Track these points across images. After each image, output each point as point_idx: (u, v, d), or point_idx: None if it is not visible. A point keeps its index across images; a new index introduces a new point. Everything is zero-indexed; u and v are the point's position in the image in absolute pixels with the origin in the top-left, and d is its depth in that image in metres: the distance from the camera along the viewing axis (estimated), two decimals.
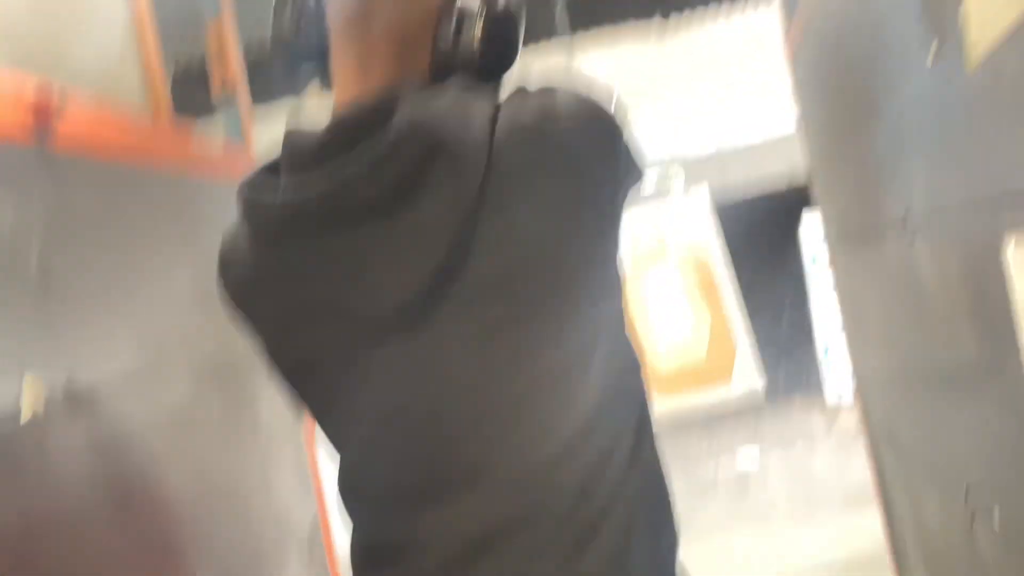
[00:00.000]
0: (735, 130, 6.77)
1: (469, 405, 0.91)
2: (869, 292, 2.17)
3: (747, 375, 5.19)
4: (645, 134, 6.54)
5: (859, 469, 5.10)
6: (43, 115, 1.54)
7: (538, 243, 0.88)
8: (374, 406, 0.95)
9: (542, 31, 4.08)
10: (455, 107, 0.89)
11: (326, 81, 1.09)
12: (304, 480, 2.23)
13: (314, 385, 1.00)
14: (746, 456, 6.80)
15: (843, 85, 1.97)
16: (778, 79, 5.27)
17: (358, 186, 0.87)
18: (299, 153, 0.93)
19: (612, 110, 0.96)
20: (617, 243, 0.99)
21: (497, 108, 0.92)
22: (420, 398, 0.93)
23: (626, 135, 0.99)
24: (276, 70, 1.12)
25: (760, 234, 7.92)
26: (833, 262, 2.65)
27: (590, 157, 0.91)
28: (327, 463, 1.12)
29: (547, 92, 0.94)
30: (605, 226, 0.95)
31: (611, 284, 0.98)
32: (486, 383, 0.91)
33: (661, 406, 5.31)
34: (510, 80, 1.02)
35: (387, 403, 0.94)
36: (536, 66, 1.02)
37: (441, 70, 0.98)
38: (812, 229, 5.98)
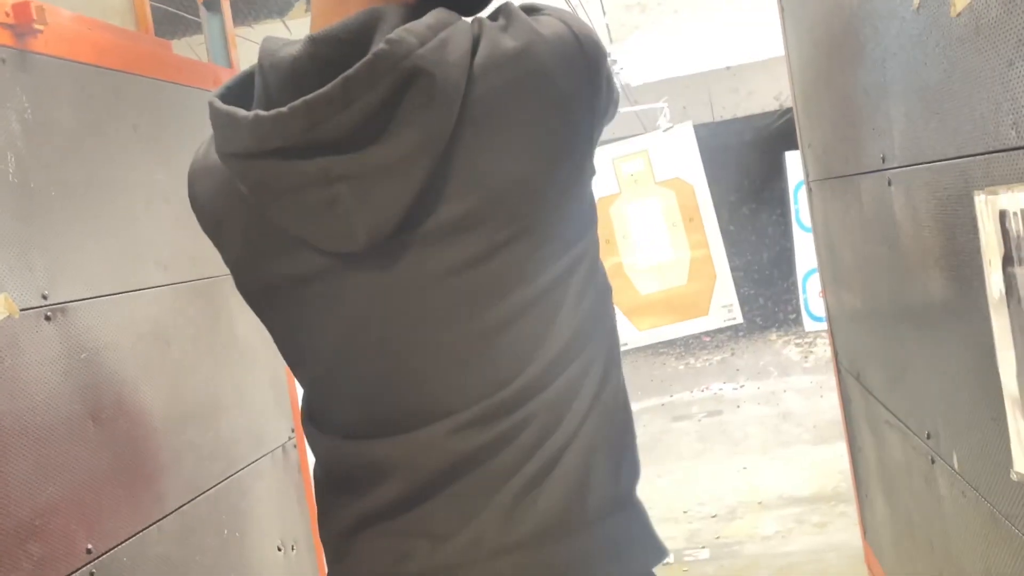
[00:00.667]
0: (723, 50, 6.71)
1: (438, 339, 0.91)
2: (845, 231, 2.19)
3: (726, 306, 5.22)
4: (631, 57, 6.52)
5: (830, 404, 5.21)
6: (24, 16, 1.52)
7: (515, 175, 0.87)
8: (339, 338, 0.94)
9: None
10: (434, 31, 0.87)
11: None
12: (280, 393, 2.25)
13: (278, 313, 0.99)
14: (720, 385, 6.90)
15: (829, 22, 1.97)
16: None
17: (331, 113, 0.85)
18: (274, 72, 0.91)
19: (595, 37, 0.96)
20: (592, 174, 1.00)
21: (479, 33, 0.91)
22: (388, 331, 0.92)
23: (607, 64, 0.99)
24: None
25: (746, 160, 7.92)
26: (812, 199, 2.66)
27: (572, 85, 0.90)
28: None
29: (529, 16, 0.93)
30: (582, 158, 0.95)
31: (587, 215, 0.98)
32: (457, 317, 0.90)
33: (638, 331, 5.37)
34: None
35: (353, 336, 0.93)
36: None
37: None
38: (798, 160, 5.98)
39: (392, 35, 0.84)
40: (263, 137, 0.87)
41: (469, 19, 0.94)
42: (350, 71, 0.84)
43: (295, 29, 4.05)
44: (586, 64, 0.93)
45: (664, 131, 5.17)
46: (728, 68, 7.44)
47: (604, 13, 5.56)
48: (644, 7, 5.69)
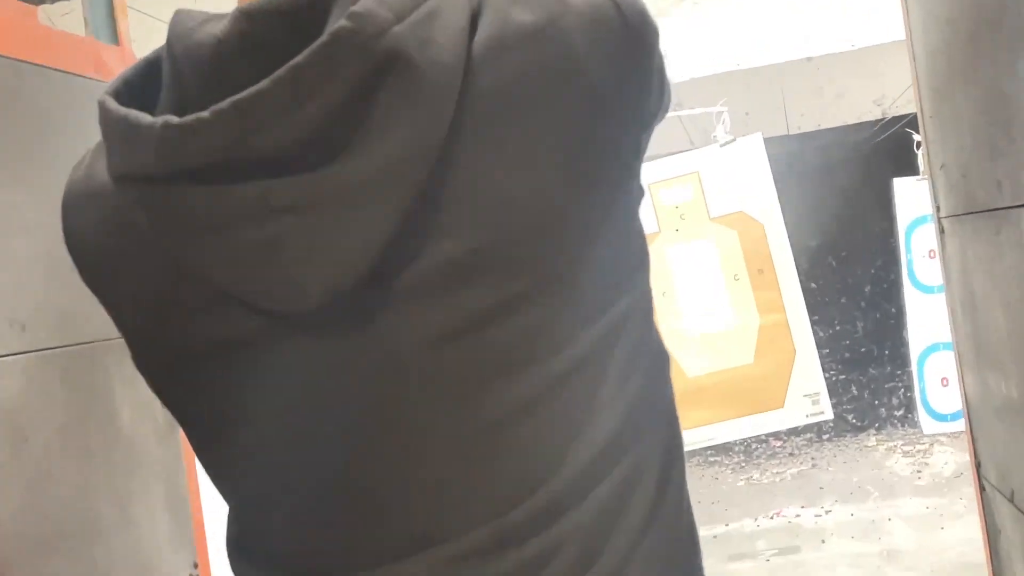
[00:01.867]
0: (802, 33, 6.80)
1: (423, 434, 0.90)
2: (996, 287, 2.19)
3: (809, 395, 5.22)
4: (675, 41, 6.58)
5: (957, 538, 5.16)
6: None
7: (532, 202, 0.87)
8: (283, 433, 0.93)
9: None
10: (416, 2, 0.86)
11: None
12: (180, 509, 2.23)
13: (192, 397, 0.97)
14: (797, 510, 6.87)
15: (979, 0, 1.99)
16: None
17: (272, 118, 0.83)
18: (189, 61, 0.90)
19: (644, 8, 0.96)
20: (639, 198, 0.99)
21: (478, 5, 0.91)
22: (352, 423, 0.91)
23: (660, 49, 0.99)
24: None
25: (836, 189, 7.98)
26: (945, 242, 2.67)
27: (613, 76, 0.90)
28: (216, 496, 1.09)
29: None
30: (626, 177, 0.94)
31: (633, 257, 0.97)
32: (450, 403, 0.89)
33: (683, 429, 5.29)
34: None
35: (302, 430, 0.92)
36: None
37: None
38: (912, 191, 6.01)
39: (357, 7, 0.83)
40: (175, 152, 0.85)
41: None
42: (299, 58, 0.82)
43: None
44: (632, 46, 0.93)
45: (722, 146, 5.21)
46: (809, 60, 7.53)
47: None
48: None
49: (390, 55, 0.83)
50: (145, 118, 0.86)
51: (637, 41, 0.92)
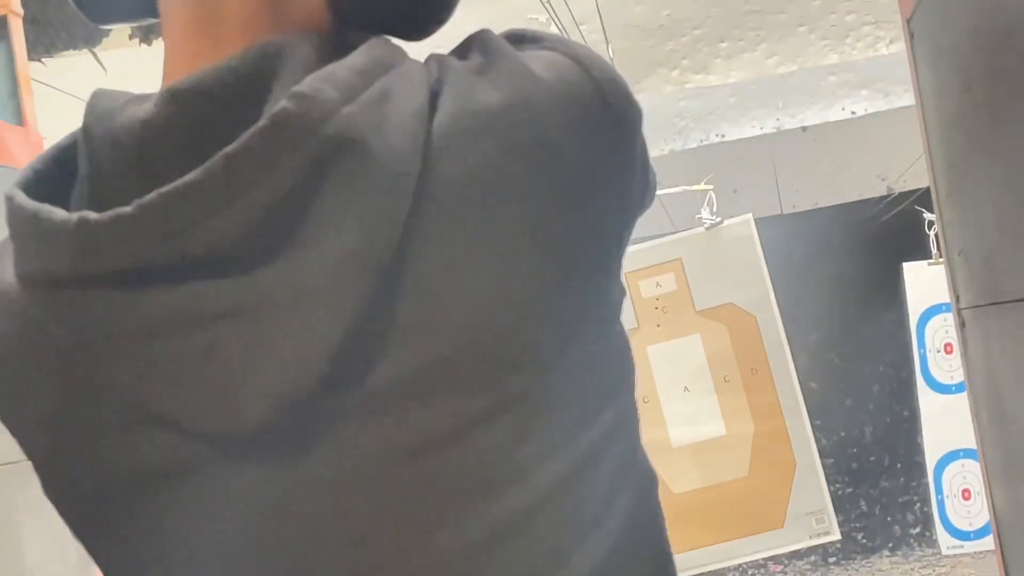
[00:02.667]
0: (795, 99, 6.89)
1: (383, 570, 0.90)
2: None
3: (812, 513, 5.21)
4: (650, 109, 6.64)
5: None
6: None
7: (505, 302, 0.87)
8: (222, 574, 0.92)
9: None
10: (368, 78, 0.87)
11: (145, 22, 1.09)
12: None
13: (115, 532, 0.96)
14: None
15: (995, 53, 2.01)
16: (867, 17, 5.41)
17: (206, 213, 0.83)
18: (110, 148, 0.90)
19: (623, 82, 0.97)
20: (620, 298, 1.00)
21: (440, 78, 0.91)
22: (302, 558, 0.90)
23: (642, 126, 0.99)
24: (68, 7, 1.11)
25: (838, 275, 8.04)
26: (966, 336, 2.68)
27: (591, 160, 0.91)
28: None
29: (518, 55, 0.94)
30: (605, 274, 0.95)
31: (616, 364, 0.98)
32: (413, 533, 0.89)
33: (676, 553, 5.25)
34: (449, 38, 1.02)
35: (246, 568, 0.92)
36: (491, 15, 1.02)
37: (344, 14, 0.97)
38: (924, 277, 6.06)
39: (302, 86, 0.84)
40: (93, 253, 0.84)
41: (420, 58, 0.95)
42: (235, 145, 0.82)
43: (116, 66, 4.10)
44: (612, 128, 0.94)
45: (707, 229, 5.24)
46: (804, 129, 7.62)
47: (608, 42, 5.72)
48: (668, 32, 5.86)
49: (339, 140, 0.83)
50: (58, 214, 0.86)
51: (618, 122, 0.93)
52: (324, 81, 0.84)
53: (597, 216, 0.91)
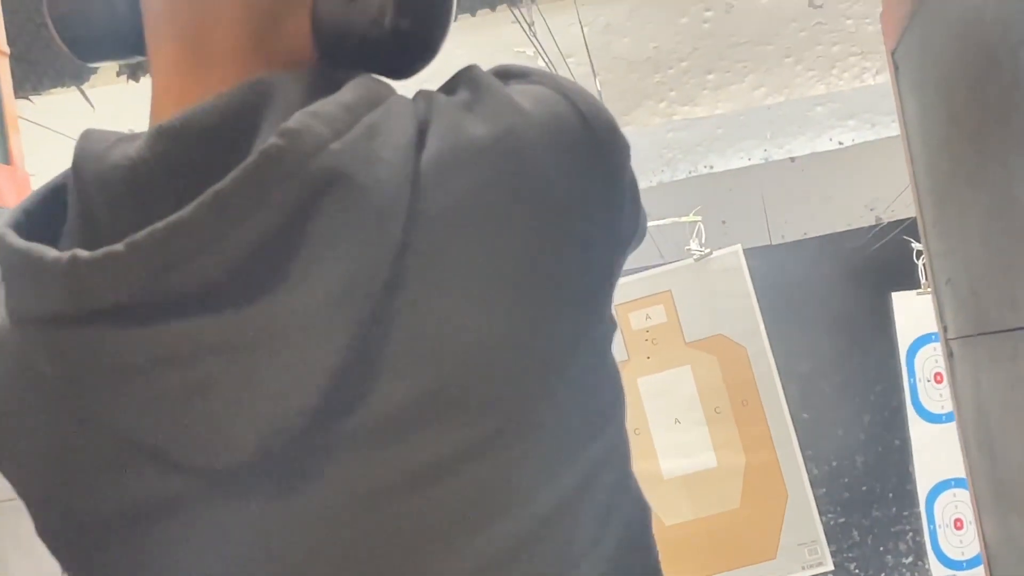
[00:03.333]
0: (784, 134, 6.89)
1: None
2: (1015, 418, 2.19)
3: (804, 544, 5.20)
4: (637, 141, 6.64)
5: None
6: None
7: (494, 335, 0.88)
8: None
9: None
10: (356, 113, 0.88)
11: (132, 60, 1.09)
12: None
13: (108, 569, 0.96)
14: None
15: (979, 84, 2.01)
16: (853, 48, 5.41)
17: (196, 250, 0.83)
18: (100, 187, 0.91)
19: (609, 115, 0.97)
20: (611, 331, 1.00)
21: (428, 113, 0.92)
22: None
23: (630, 160, 1.00)
24: (56, 45, 1.11)
25: (827, 305, 8.02)
26: (954, 367, 2.67)
27: (578, 192, 0.91)
28: None
29: (505, 89, 0.94)
30: (595, 307, 0.96)
31: (607, 397, 0.98)
32: (404, 566, 0.89)
33: None
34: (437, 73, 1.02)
35: None
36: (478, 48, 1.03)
37: (330, 53, 0.98)
38: (913, 306, 6.05)
39: (290, 122, 0.84)
40: (84, 291, 0.85)
41: (408, 93, 0.95)
42: (225, 181, 0.83)
43: (105, 103, 4.10)
44: (599, 161, 0.94)
45: (696, 260, 5.23)
46: (792, 160, 7.62)
47: (595, 75, 5.72)
48: (655, 64, 5.86)
49: (328, 175, 0.84)
50: (50, 253, 0.86)
51: (605, 155, 0.94)
52: (312, 117, 0.85)
53: (586, 249, 0.92)
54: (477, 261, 0.87)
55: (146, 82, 1.05)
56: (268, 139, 0.84)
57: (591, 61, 4.63)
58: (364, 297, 0.84)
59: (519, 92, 0.93)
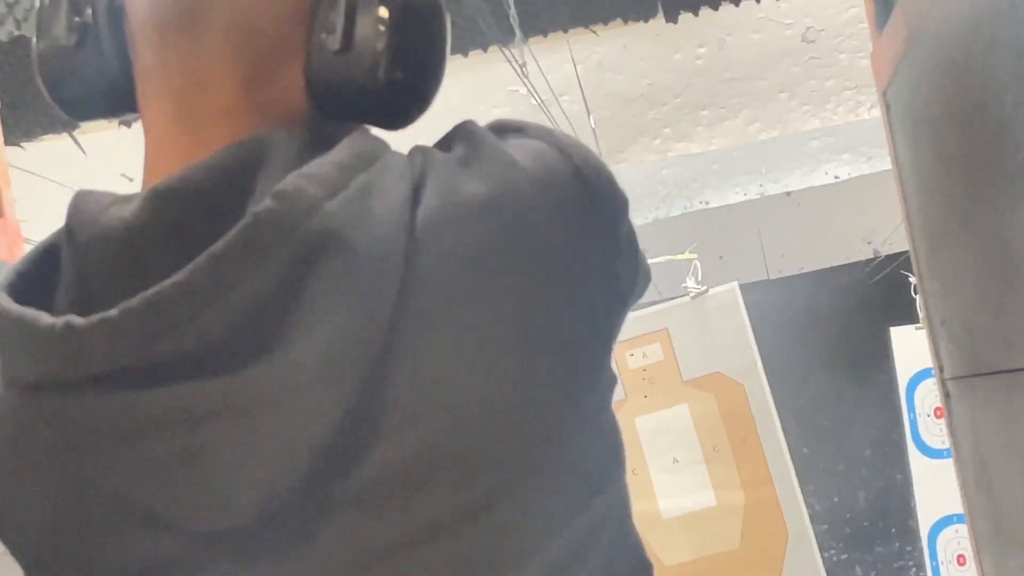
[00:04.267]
0: (779, 169, 6.89)
1: None
2: (1013, 458, 2.18)
3: None
4: (627, 176, 6.63)
5: None
6: None
7: (492, 394, 0.88)
8: None
9: (475, 36, 4.15)
10: (350, 173, 0.88)
11: (124, 118, 1.09)
12: None
13: None
14: None
15: (970, 124, 2.02)
16: (847, 83, 5.42)
17: (191, 314, 0.83)
18: (94, 250, 0.90)
19: (607, 170, 0.97)
20: (612, 388, 1.00)
21: (423, 171, 0.91)
22: None
23: (628, 215, 0.99)
24: (48, 97, 1.10)
25: (825, 340, 8.00)
26: (951, 406, 2.67)
27: (576, 250, 0.91)
28: None
29: (501, 145, 0.94)
30: (596, 364, 0.95)
31: (608, 450, 0.98)
32: None
33: None
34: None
35: None
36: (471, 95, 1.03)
37: (324, 106, 0.98)
38: (911, 341, 6.04)
39: (284, 184, 0.84)
40: (80, 357, 0.85)
41: (402, 150, 0.95)
42: (219, 244, 0.83)
43: (96, 149, 4.10)
44: (596, 216, 0.94)
45: (693, 298, 5.22)
46: (789, 194, 7.62)
47: (589, 113, 5.74)
48: (649, 101, 5.88)
49: (322, 236, 0.84)
50: (44, 319, 0.86)
51: (602, 209, 0.94)
52: (306, 179, 0.85)
53: (584, 307, 0.92)
54: (473, 322, 0.87)
55: (138, 127, 1.05)
56: (263, 201, 0.84)
57: (584, 99, 4.65)
58: (360, 358, 0.84)
59: (516, 148, 0.93)
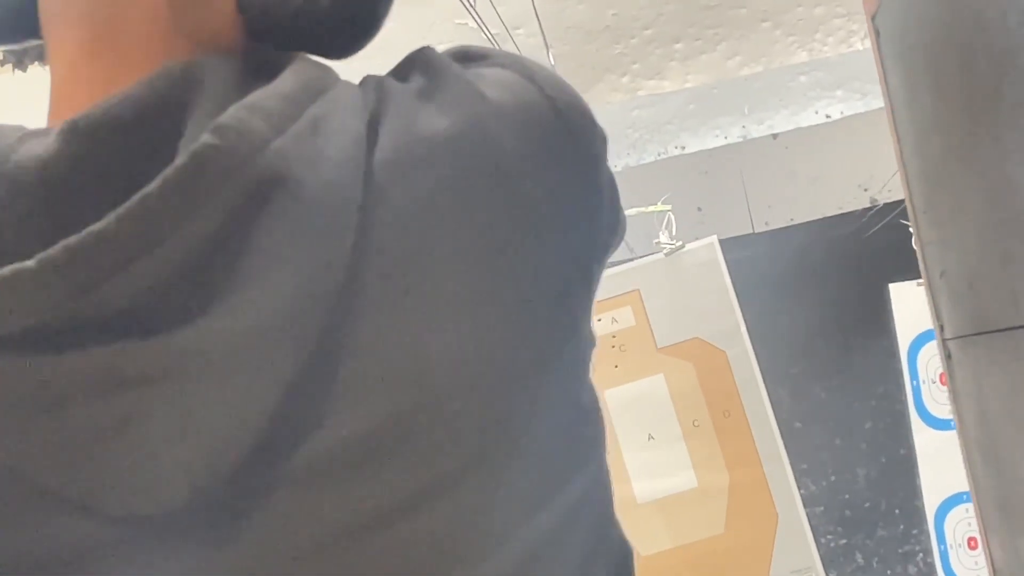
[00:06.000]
0: (763, 109, 6.90)
1: None
2: (1022, 425, 2.19)
3: (799, 570, 5.20)
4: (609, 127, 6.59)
5: None
6: None
7: (459, 356, 0.87)
8: None
9: None
10: (299, 105, 0.86)
11: (23, 45, 1.07)
12: None
13: None
14: None
15: (969, 51, 2.02)
16: (838, 9, 5.42)
17: (121, 266, 0.80)
18: (3, 193, 0.86)
19: (581, 101, 0.96)
20: (592, 348, 0.99)
21: (378, 104, 0.90)
22: None
23: (606, 153, 0.99)
24: None
25: (819, 300, 8.04)
26: (954, 369, 2.68)
27: (553, 193, 0.91)
28: None
29: (464, 74, 0.93)
30: (572, 321, 0.95)
31: (588, 420, 0.98)
32: None
33: None
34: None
35: None
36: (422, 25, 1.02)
37: (260, 33, 0.97)
38: (914, 299, 6.07)
39: (225, 117, 0.83)
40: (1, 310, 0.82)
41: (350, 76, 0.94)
42: (151, 187, 0.81)
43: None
44: (574, 154, 0.94)
45: (667, 255, 5.22)
46: (775, 137, 7.64)
47: (548, 47, 5.72)
48: (615, 33, 5.87)
49: (270, 178, 0.83)
50: None
51: (580, 148, 0.93)
52: (249, 111, 0.83)
53: (562, 251, 0.91)
54: (439, 274, 0.86)
55: (34, 71, 1.03)
56: (200, 137, 0.82)
57: (543, 32, 4.63)
58: (311, 318, 0.83)
59: (481, 78, 0.93)
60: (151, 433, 0.82)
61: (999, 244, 2.07)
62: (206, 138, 0.81)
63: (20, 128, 0.91)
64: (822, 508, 7.91)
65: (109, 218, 0.80)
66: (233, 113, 0.83)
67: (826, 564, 5.35)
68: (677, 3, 5.21)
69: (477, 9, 3.81)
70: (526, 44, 4.58)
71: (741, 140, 7.50)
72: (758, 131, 7.42)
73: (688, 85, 5.80)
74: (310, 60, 0.93)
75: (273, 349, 0.82)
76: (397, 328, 0.85)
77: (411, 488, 0.85)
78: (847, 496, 8.52)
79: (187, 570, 0.86)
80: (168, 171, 0.81)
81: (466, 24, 4.15)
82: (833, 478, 8.50)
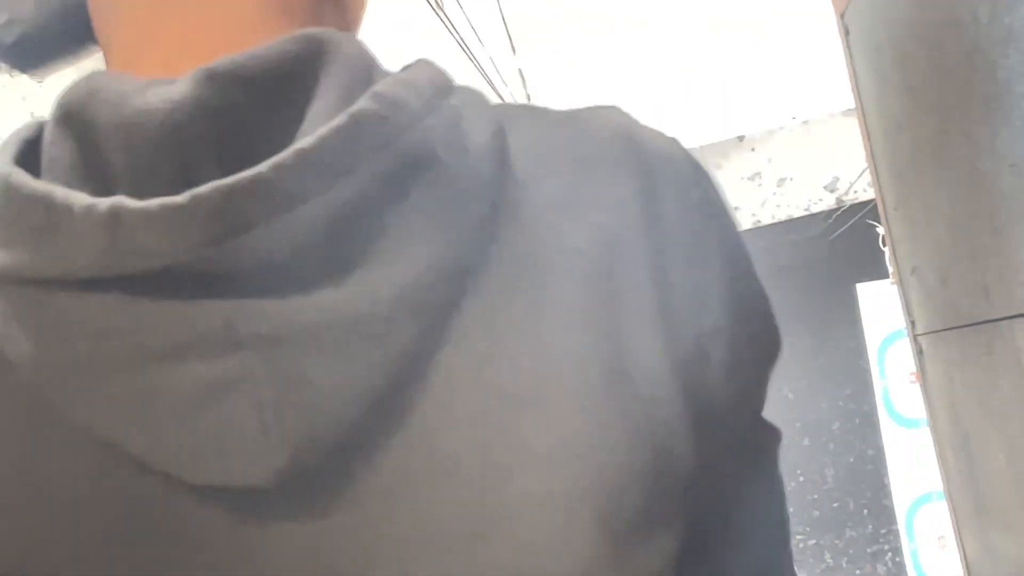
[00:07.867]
0: (732, 105, 6.89)
1: None
2: (992, 421, 2.19)
3: None
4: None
5: None
6: None
7: (572, 366, 0.85)
8: None
9: None
10: (441, 93, 0.86)
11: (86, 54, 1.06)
12: None
13: None
14: None
15: (938, 48, 2.02)
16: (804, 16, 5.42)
17: (269, 215, 0.77)
18: (123, 133, 0.82)
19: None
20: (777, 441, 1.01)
21: (496, 115, 0.90)
22: None
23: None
24: None
25: (786, 300, 8.03)
26: (925, 365, 2.68)
27: (699, 237, 0.91)
28: None
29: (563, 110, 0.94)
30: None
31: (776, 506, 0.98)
32: None
33: None
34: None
35: None
36: None
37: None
38: (881, 298, 6.07)
39: (379, 87, 0.81)
40: (129, 250, 0.77)
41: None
42: (309, 141, 0.78)
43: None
44: (703, 196, 0.95)
45: None
46: (741, 138, 7.65)
47: (511, 42, 5.72)
48: (583, 21, 5.86)
49: (421, 153, 0.81)
50: (78, 198, 0.77)
51: (718, 203, 0.94)
52: (404, 87, 0.82)
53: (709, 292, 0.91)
54: (559, 279, 0.86)
55: (22, 78, 1.00)
56: (362, 102, 0.81)
57: (509, 36, 4.61)
58: (440, 298, 0.82)
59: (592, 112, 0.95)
60: (256, 396, 0.78)
61: (970, 239, 2.07)
62: (365, 103, 0.79)
63: (135, 78, 0.88)
64: (791, 509, 7.88)
65: (265, 165, 0.76)
66: (389, 84, 0.82)
67: (795, 565, 5.35)
68: None
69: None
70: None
71: (708, 143, 7.52)
72: (725, 133, 7.44)
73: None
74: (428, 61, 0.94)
75: (393, 327, 0.80)
76: (519, 338, 0.83)
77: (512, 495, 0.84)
78: (815, 496, 8.53)
79: (270, 555, 0.83)
80: (326, 128, 0.79)
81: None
82: (802, 479, 8.51)
